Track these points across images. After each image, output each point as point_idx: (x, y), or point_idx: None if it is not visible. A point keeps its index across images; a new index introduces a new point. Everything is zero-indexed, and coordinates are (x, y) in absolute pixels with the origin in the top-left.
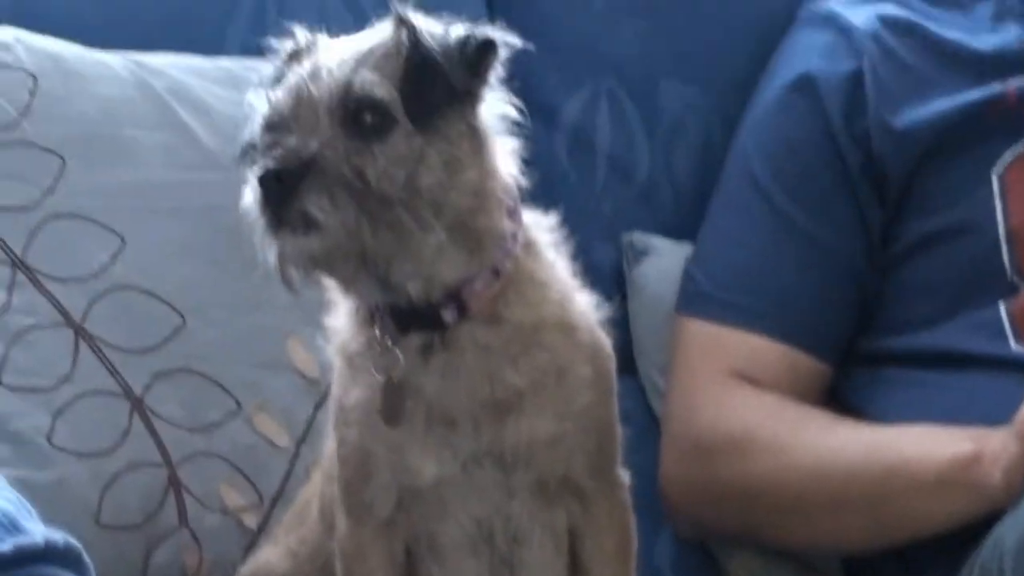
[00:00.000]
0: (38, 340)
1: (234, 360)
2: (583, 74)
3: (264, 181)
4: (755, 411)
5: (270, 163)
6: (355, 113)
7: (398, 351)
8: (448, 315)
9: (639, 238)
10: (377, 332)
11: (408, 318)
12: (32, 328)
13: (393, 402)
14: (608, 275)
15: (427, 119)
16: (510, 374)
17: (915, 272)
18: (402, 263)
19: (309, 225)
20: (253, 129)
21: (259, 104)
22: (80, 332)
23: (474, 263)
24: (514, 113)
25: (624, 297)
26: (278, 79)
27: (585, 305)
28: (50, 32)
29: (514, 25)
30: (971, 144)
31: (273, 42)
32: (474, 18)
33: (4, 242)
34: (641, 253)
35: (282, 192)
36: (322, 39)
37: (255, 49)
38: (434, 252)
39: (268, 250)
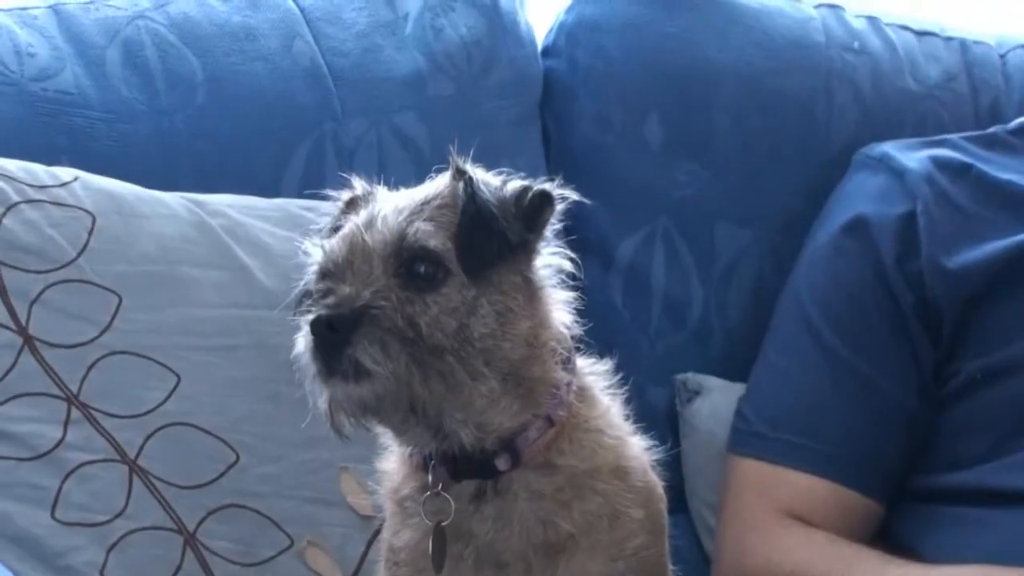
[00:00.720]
0: (93, 475)
1: (287, 496)
2: (639, 216)
3: (316, 328)
4: (807, 550)
5: (323, 311)
6: (409, 263)
7: (449, 498)
8: (502, 464)
9: (692, 378)
10: (429, 478)
11: (461, 466)
12: (87, 464)
13: (441, 547)
14: (661, 415)
15: (481, 271)
16: (563, 519)
17: (969, 410)
18: (453, 411)
19: (360, 373)
20: (308, 277)
21: (315, 252)
22: (134, 468)
23: (527, 411)
24: (568, 265)
25: (677, 436)
26: (335, 228)
27: (638, 449)
28: (109, 173)
29: (571, 167)
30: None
31: (331, 192)
32: (532, 163)
33: (59, 378)
34: (694, 393)
35: (334, 340)
36: (381, 190)
37: (312, 190)
38: (486, 401)
39: (319, 396)
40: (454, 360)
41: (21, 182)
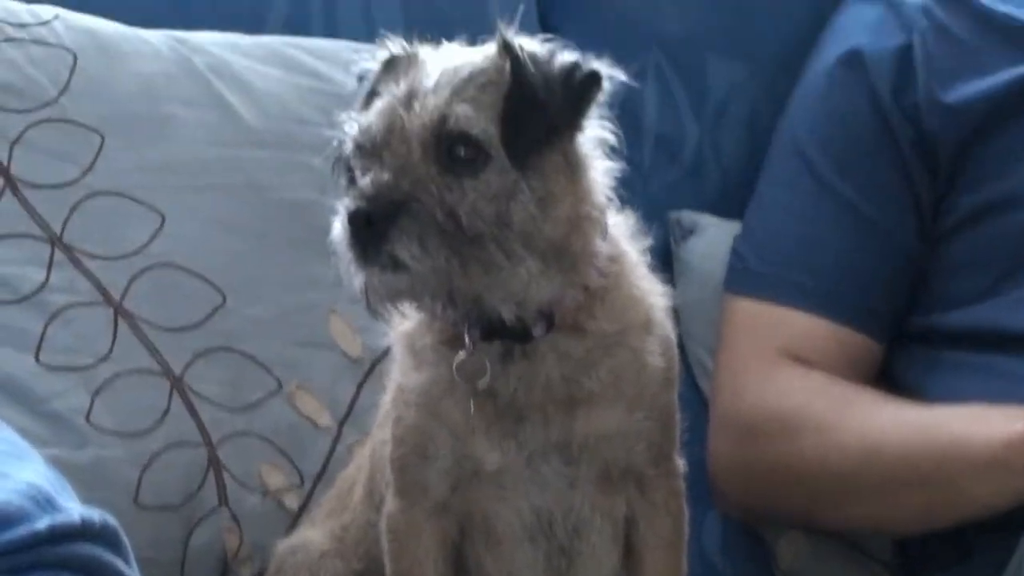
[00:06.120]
0: (76, 318)
1: (275, 338)
2: (629, 51)
3: (354, 220)
4: (803, 390)
5: (360, 202)
6: (449, 147)
7: (486, 361)
8: (537, 331)
9: (686, 216)
10: (466, 339)
11: (493, 329)
12: (70, 306)
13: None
14: (655, 254)
15: (524, 156)
16: (588, 378)
17: (965, 246)
18: (492, 295)
19: (397, 266)
20: (344, 146)
21: (350, 126)
22: (119, 310)
23: (568, 283)
24: (611, 139)
25: (672, 276)
26: (372, 94)
27: (660, 298)
28: (89, 10)
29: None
30: (1022, 116)
31: (363, 49)
32: None
33: (43, 219)
34: (688, 231)
35: (372, 233)
36: (422, 51)
37: (297, 26)
38: (526, 280)
39: (353, 278)
40: (493, 246)
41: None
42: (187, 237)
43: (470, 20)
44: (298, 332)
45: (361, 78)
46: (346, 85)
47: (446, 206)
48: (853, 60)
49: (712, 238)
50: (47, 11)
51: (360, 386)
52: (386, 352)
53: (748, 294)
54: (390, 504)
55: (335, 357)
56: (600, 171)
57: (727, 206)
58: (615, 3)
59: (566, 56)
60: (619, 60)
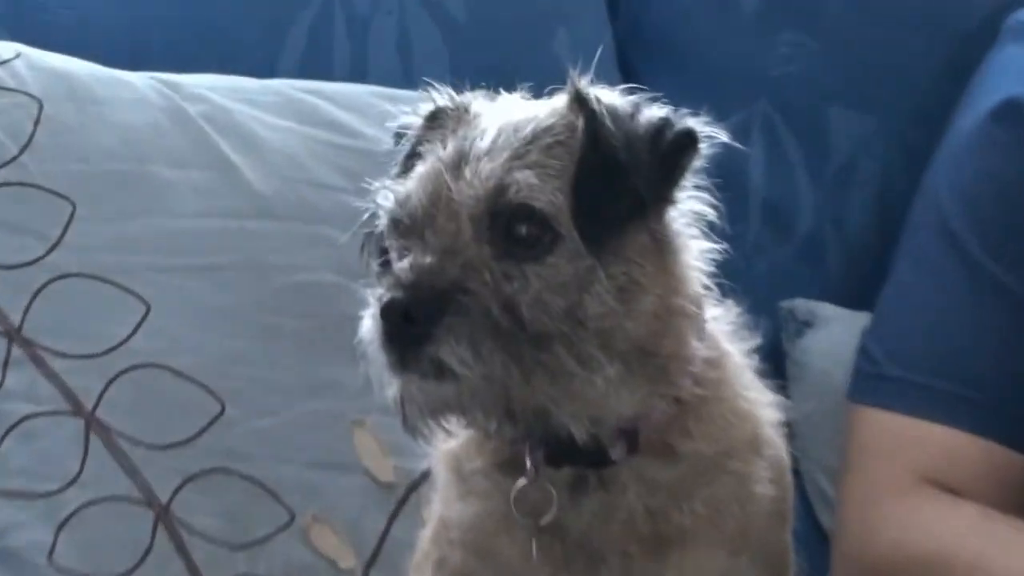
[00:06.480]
0: (39, 432)
1: (286, 458)
2: (730, 99)
3: (388, 314)
4: (953, 527)
5: (397, 292)
6: (507, 224)
7: (552, 490)
8: (616, 453)
9: (802, 306)
10: (528, 463)
11: (563, 449)
12: (31, 416)
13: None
14: (764, 355)
15: (602, 237)
16: (681, 512)
17: None
18: (561, 408)
19: (443, 373)
20: (379, 222)
21: (385, 199)
22: (91, 422)
23: (655, 394)
24: (711, 212)
25: (783, 379)
26: (412, 155)
27: (771, 411)
28: (58, 47)
29: (643, 37)
30: None
31: (400, 98)
32: (594, 33)
33: None
34: (804, 325)
35: (411, 331)
36: (475, 103)
37: (316, 67)
38: (603, 391)
39: (387, 386)
40: (562, 348)
41: None
42: (177, 331)
43: (535, 65)
44: (315, 450)
45: (399, 135)
46: (379, 142)
47: (503, 298)
48: (1010, 112)
49: (834, 334)
50: (7, 48)
51: (392, 518)
52: (425, 476)
53: (880, 404)
54: None
55: (360, 481)
56: (695, 253)
57: (852, 293)
58: (712, 44)
59: (653, 111)
60: (718, 114)
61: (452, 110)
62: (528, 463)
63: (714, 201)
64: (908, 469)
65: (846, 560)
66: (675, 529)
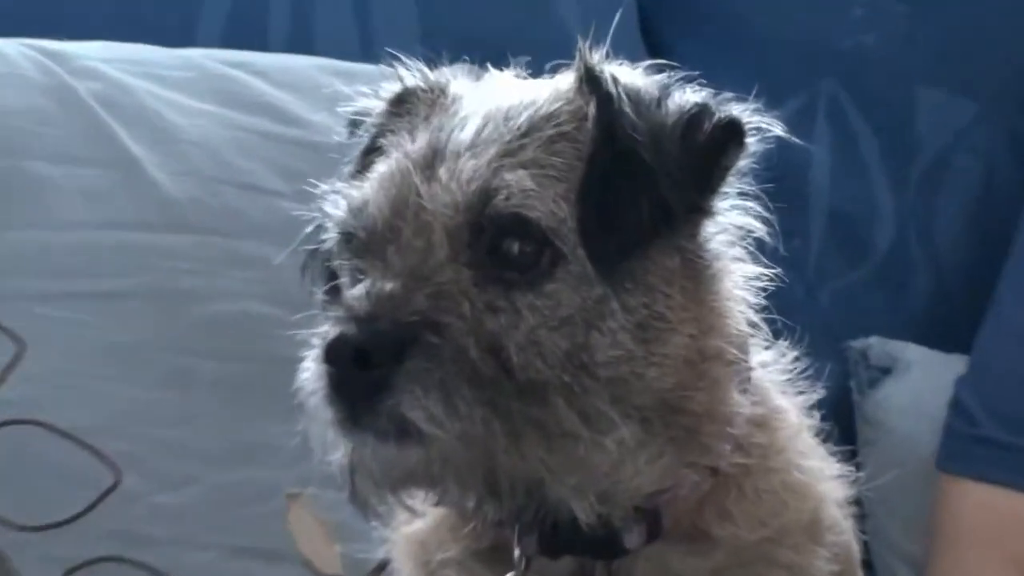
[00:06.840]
0: None
1: (201, 543)
2: (788, 77)
3: (336, 356)
4: None
5: (349, 327)
6: (494, 240)
7: None
8: (632, 539)
9: (878, 347)
10: (515, 552)
11: (560, 535)
12: None
13: None
14: (829, 409)
15: (616, 256)
16: None
17: None
18: (559, 480)
19: (405, 432)
20: (328, 235)
21: (334, 207)
22: None
23: (683, 463)
24: (759, 227)
25: (851, 439)
26: (371, 150)
27: (835, 485)
28: None
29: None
30: None
31: (358, 74)
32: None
33: None
34: (880, 371)
35: (365, 379)
36: (454, 82)
37: (245, 34)
38: (615, 458)
39: (331, 448)
40: (562, 401)
41: None
42: (60, 378)
43: (532, 33)
44: (238, 532)
45: (354, 124)
46: (327, 132)
47: (486, 336)
48: None
49: (919, 383)
50: None
51: None
52: (381, 569)
53: (979, 476)
54: None
55: (296, 573)
56: (739, 280)
57: (943, 330)
58: (763, 8)
59: (686, 95)
60: (771, 99)
61: (424, 92)
62: (516, 552)
63: (765, 212)
64: (1013, 560)
65: None
66: None
